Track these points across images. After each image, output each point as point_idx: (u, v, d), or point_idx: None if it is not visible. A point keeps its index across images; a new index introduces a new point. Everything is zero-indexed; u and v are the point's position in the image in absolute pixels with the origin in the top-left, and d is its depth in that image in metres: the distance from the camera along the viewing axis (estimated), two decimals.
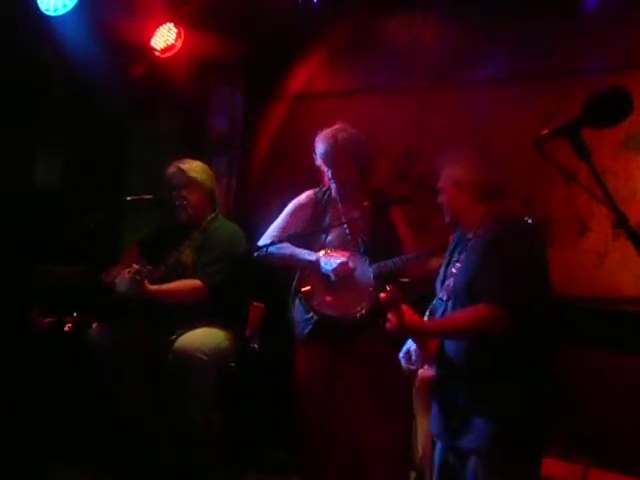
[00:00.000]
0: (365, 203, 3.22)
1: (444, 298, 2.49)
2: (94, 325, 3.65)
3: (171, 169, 3.71)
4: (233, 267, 3.56)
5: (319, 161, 3.30)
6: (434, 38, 4.34)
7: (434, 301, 2.59)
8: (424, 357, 2.56)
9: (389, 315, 2.36)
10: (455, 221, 2.58)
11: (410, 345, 2.63)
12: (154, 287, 3.44)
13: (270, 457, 3.87)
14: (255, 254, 3.34)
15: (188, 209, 3.67)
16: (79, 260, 4.32)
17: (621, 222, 1.70)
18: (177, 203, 3.67)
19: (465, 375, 2.36)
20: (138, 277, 3.33)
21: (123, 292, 3.41)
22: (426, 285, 3.24)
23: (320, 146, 3.27)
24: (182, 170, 3.68)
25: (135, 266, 3.38)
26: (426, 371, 2.59)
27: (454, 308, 2.43)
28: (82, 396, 3.73)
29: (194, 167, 3.72)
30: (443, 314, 2.47)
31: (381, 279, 3.11)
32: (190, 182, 3.67)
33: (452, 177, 2.50)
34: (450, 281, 2.48)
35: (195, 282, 3.53)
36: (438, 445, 2.52)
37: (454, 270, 2.49)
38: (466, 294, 2.37)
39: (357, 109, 4.52)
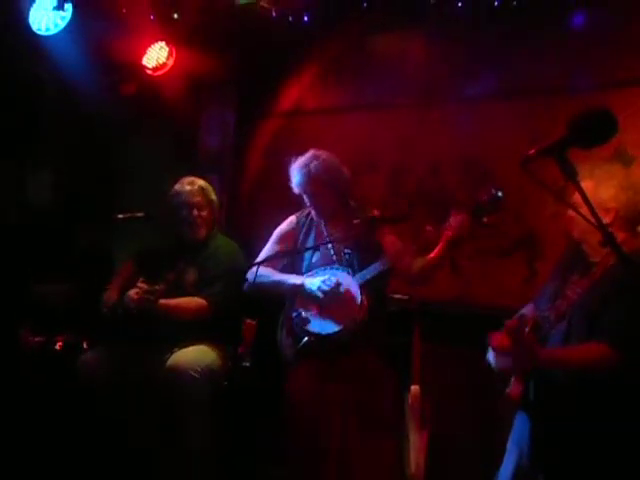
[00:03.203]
0: (355, 221, 3.22)
1: (551, 318, 2.35)
2: (85, 346, 3.62)
3: (188, 187, 3.66)
4: (234, 286, 3.50)
5: (296, 190, 3.32)
6: (424, 56, 4.37)
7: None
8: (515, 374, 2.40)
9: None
10: (582, 241, 2.43)
11: None
12: (163, 301, 3.43)
13: (265, 475, 3.84)
14: (245, 287, 3.34)
15: (202, 228, 3.65)
16: (71, 278, 4.30)
17: (607, 239, 1.71)
18: (190, 221, 3.63)
19: (568, 401, 2.30)
20: (152, 297, 3.34)
21: (133, 309, 3.39)
22: (418, 284, 3.24)
23: (294, 176, 3.29)
24: (203, 190, 3.67)
25: (143, 285, 3.37)
26: (513, 387, 2.39)
27: (569, 336, 2.32)
28: (72, 417, 3.69)
29: (209, 187, 3.72)
30: (547, 334, 2.35)
31: (367, 286, 3.14)
32: (209, 202, 3.68)
33: (595, 195, 2.15)
34: (562, 303, 2.34)
35: (200, 301, 3.51)
36: (513, 453, 2.47)
37: (570, 293, 2.33)
38: (585, 324, 2.28)
39: (348, 126, 4.55)
